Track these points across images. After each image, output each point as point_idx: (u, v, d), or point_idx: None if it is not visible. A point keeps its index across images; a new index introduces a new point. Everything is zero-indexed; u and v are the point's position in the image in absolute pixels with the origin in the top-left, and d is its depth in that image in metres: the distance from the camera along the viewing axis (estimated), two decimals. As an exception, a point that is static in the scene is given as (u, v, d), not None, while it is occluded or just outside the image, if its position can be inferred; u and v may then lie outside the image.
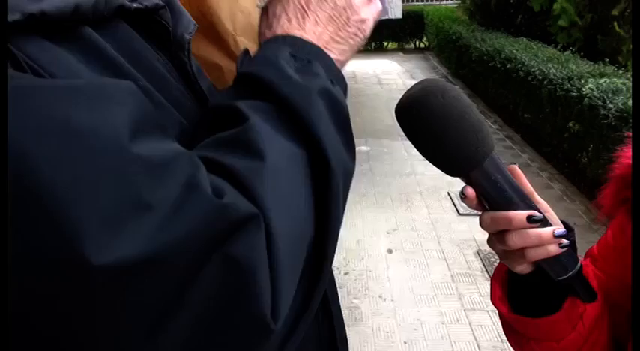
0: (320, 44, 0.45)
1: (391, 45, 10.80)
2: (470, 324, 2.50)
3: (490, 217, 0.51)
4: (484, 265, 2.93)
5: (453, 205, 3.68)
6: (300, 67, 0.41)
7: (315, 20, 0.45)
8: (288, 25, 0.45)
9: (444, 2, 12.63)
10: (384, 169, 4.39)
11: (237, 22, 0.56)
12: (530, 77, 4.71)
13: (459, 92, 0.48)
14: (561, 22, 5.64)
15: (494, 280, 0.60)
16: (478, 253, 3.04)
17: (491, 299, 0.61)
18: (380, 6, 0.51)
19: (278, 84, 0.39)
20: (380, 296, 2.75)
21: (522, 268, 0.54)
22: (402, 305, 2.66)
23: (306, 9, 0.45)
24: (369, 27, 0.49)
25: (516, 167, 0.52)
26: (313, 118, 0.39)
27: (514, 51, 5.38)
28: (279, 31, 0.45)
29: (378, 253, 3.16)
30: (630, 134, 0.58)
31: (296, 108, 0.38)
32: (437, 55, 9.52)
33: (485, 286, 2.75)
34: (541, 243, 0.50)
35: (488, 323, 2.47)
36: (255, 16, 0.55)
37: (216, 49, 0.57)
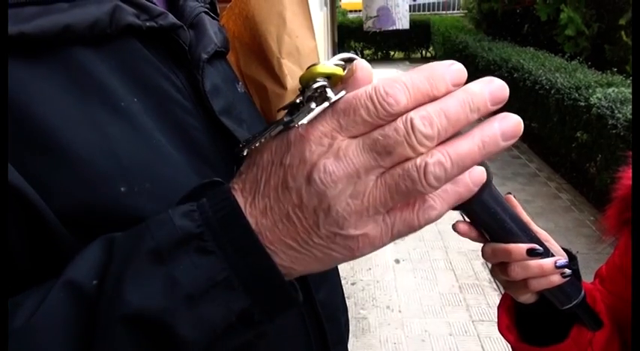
0: (264, 240, 0.30)
1: (398, 54, 10.83)
2: (478, 335, 2.48)
3: (491, 249, 0.51)
4: (492, 275, 2.90)
5: (460, 215, 3.65)
6: (184, 265, 0.29)
7: (265, 209, 0.31)
8: (240, 194, 0.32)
9: (450, 12, 12.68)
10: (390, 179, 4.38)
11: (284, 45, 0.56)
12: (537, 87, 4.70)
13: None
14: (568, 32, 5.64)
15: (501, 308, 0.60)
16: (486, 263, 3.02)
17: (498, 328, 0.61)
18: (415, 221, 0.31)
19: (107, 278, 0.30)
20: (387, 307, 2.73)
21: (526, 298, 0.54)
22: (409, 316, 2.64)
23: (260, 188, 0.31)
24: (365, 245, 0.30)
25: (512, 197, 0.52)
26: (97, 349, 0.29)
27: (521, 60, 5.37)
28: (233, 190, 0.32)
29: (385, 264, 3.14)
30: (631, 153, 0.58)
31: (95, 323, 0.29)
32: (443, 65, 9.51)
33: (494, 297, 2.72)
34: (543, 274, 0.50)
35: (497, 335, 2.44)
36: (303, 40, 0.56)
37: (264, 70, 0.58)
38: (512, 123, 0.29)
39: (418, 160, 0.28)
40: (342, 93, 0.29)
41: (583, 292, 0.53)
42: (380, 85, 0.28)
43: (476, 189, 0.31)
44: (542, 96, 4.59)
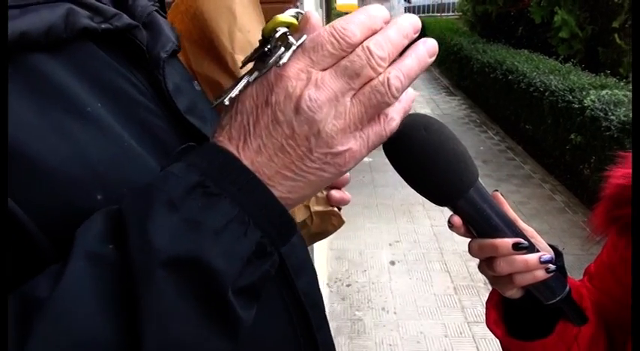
0: (261, 177, 0.34)
1: (393, 57, 10.86)
2: (473, 337, 2.48)
3: (477, 245, 0.52)
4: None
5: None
6: (197, 208, 0.32)
7: (259, 147, 0.34)
8: (228, 142, 0.34)
9: (445, 14, 12.74)
10: (386, 180, 4.39)
11: (236, 41, 0.55)
12: (531, 89, 4.72)
13: (441, 125, 0.49)
14: (562, 34, 5.68)
15: (489, 303, 0.61)
16: (481, 264, 3.03)
17: (486, 323, 0.62)
18: (383, 131, 0.37)
19: (130, 234, 0.31)
20: (383, 308, 2.73)
21: (512, 293, 0.55)
22: (404, 318, 2.65)
23: (251, 130, 0.34)
24: (350, 159, 0.36)
25: (499, 194, 0.54)
26: (144, 299, 0.30)
27: (515, 62, 5.40)
28: (220, 142, 0.35)
29: (380, 265, 3.15)
30: (622, 153, 0.59)
31: (131, 278, 0.30)
32: (438, 67, 9.56)
33: (489, 298, 2.73)
34: (528, 269, 0.51)
35: (492, 336, 2.44)
36: (255, 34, 0.55)
37: (217, 67, 0.57)
38: (431, 43, 0.38)
39: (381, 77, 0.34)
40: (305, 36, 0.34)
41: (568, 288, 0.54)
42: (337, 24, 0.34)
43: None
44: (537, 98, 4.62)
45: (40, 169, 0.33)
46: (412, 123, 0.48)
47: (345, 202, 0.64)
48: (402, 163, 0.49)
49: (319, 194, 0.61)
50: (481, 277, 2.91)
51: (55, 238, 0.34)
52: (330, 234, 0.68)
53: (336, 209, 0.63)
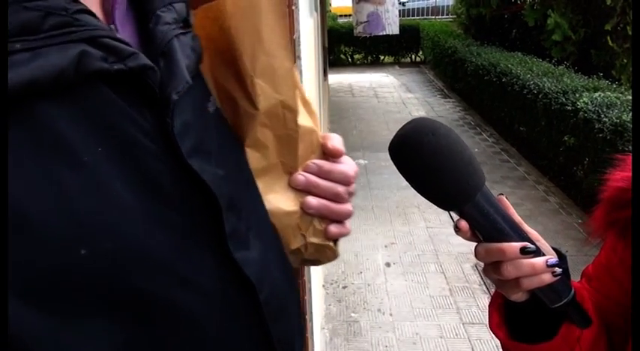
0: None
1: (387, 58, 10.89)
2: (468, 338, 2.49)
3: (484, 249, 0.52)
4: (482, 278, 2.93)
5: (450, 219, 3.68)
6: None
7: None
8: None
9: (440, 17, 12.78)
10: (381, 183, 4.40)
11: (258, 64, 0.53)
12: (525, 91, 4.75)
13: (448, 130, 0.49)
14: (555, 37, 5.72)
15: (491, 307, 0.61)
16: (476, 266, 3.04)
17: (489, 325, 0.62)
18: None
19: None
20: (379, 310, 2.74)
21: (518, 297, 0.55)
22: (400, 319, 2.65)
23: None
24: None
25: (504, 198, 0.53)
26: None
27: (509, 65, 5.43)
28: None
29: (376, 267, 3.15)
30: (620, 156, 0.60)
31: None
32: (433, 69, 9.60)
33: (484, 300, 2.75)
34: (535, 272, 0.51)
35: (487, 337, 2.46)
36: (279, 60, 0.53)
37: (236, 85, 0.55)
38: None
39: None
40: None
41: (573, 291, 0.54)
42: None
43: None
44: (530, 100, 4.65)
45: (29, 223, 0.32)
46: (419, 127, 0.48)
47: (343, 236, 0.62)
48: (408, 167, 0.49)
49: (317, 226, 0.59)
50: (476, 279, 2.92)
51: (37, 299, 0.32)
52: (323, 264, 0.67)
53: (331, 244, 0.61)
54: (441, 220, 3.69)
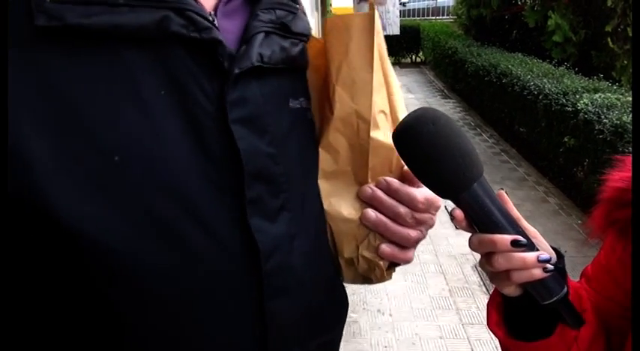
0: None
1: (388, 59, 10.89)
2: (468, 338, 2.50)
3: (477, 239, 0.53)
4: (482, 279, 2.94)
5: (450, 219, 3.69)
6: None
7: None
8: None
9: (440, 17, 12.79)
10: (381, 183, 4.39)
11: (341, 74, 0.58)
12: (525, 92, 4.75)
13: (449, 120, 0.50)
14: (556, 38, 5.72)
15: (490, 305, 0.62)
16: (476, 267, 3.04)
17: (487, 324, 0.62)
18: None
19: None
20: (378, 310, 2.74)
21: (510, 291, 0.55)
22: (400, 320, 2.66)
23: None
24: None
25: (504, 193, 0.54)
26: None
27: (509, 66, 5.43)
28: None
29: (375, 267, 3.15)
30: (619, 157, 0.60)
31: None
32: (433, 70, 9.60)
33: (483, 300, 2.75)
34: (525, 266, 0.52)
35: (487, 337, 2.47)
36: (360, 74, 0.58)
37: (327, 91, 0.60)
38: None
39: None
40: None
41: (566, 290, 0.54)
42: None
43: None
44: (531, 101, 4.65)
45: (83, 132, 0.41)
46: (421, 116, 0.50)
47: (398, 260, 0.61)
48: (409, 153, 0.51)
49: (372, 241, 0.60)
50: (476, 279, 2.92)
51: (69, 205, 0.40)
52: (373, 283, 0.66)
53: (382, 263, 0.61)
54: (440, 221, 3.69)
